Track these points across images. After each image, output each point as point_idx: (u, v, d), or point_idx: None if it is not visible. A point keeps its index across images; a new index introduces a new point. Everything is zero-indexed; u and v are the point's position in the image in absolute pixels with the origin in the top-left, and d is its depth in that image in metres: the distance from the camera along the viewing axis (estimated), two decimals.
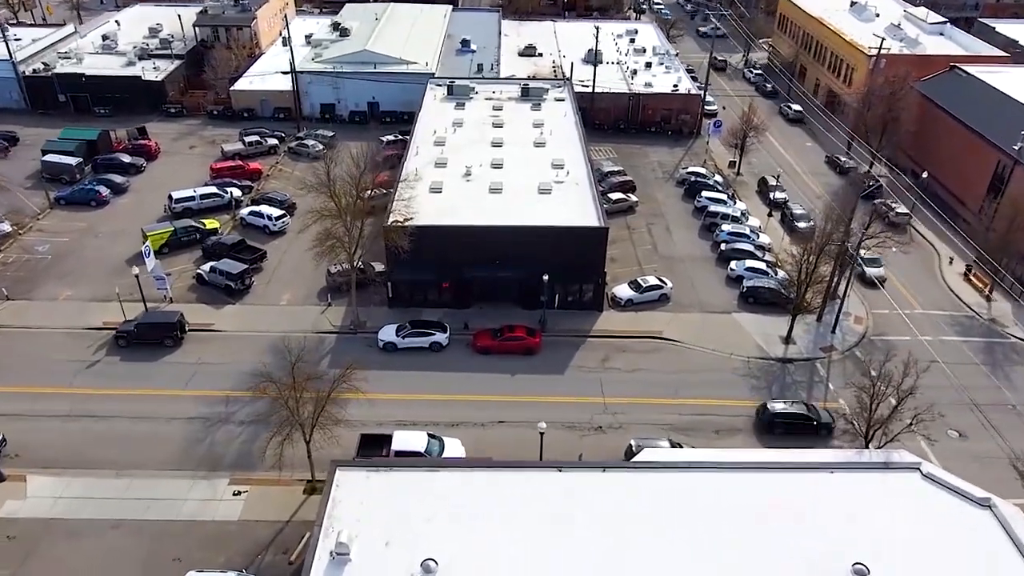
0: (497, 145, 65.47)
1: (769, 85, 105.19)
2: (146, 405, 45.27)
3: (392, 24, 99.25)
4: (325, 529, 31.46)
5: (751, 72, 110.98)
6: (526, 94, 77.05)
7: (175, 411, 44.86)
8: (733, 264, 59.77)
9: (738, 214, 67.04)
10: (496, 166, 61.52)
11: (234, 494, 39.41)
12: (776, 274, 58.44)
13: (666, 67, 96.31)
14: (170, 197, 66.00)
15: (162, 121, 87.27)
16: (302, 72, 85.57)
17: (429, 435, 41.38)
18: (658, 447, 40.77)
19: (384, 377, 47.90)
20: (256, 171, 74.34)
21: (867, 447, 39.58)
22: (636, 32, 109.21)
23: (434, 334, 50.38)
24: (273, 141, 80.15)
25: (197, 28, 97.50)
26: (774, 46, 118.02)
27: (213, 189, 67.91)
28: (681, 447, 41.73)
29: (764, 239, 64.40)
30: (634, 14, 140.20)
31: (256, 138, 79.14)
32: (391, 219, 52.07)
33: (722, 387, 48.26)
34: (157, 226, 61.22)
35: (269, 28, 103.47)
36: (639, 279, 56.94)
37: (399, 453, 39.94)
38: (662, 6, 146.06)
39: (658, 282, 56.75)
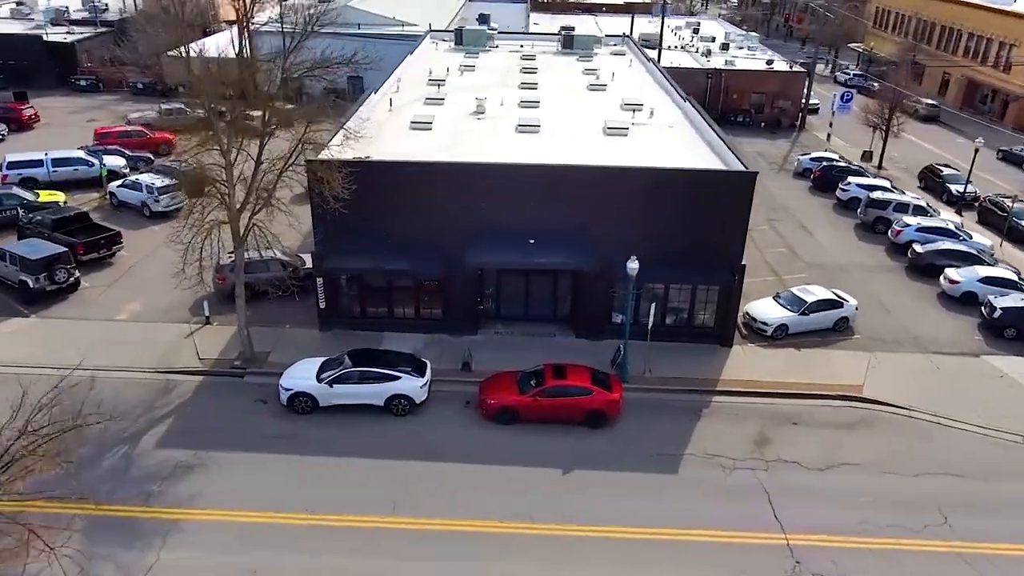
0: (529, 87, 40.53)
1: (875, 85, 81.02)
2: None
3: None
4: None
5: (845, 75, 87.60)
6: (570, 45, 52.77)
7: None
8: (953, 273, 33.34)
9: (923, 204, 41.16)
10: (528, 104, 36.39)
11: None
12: None
13: (749, 48, 72.80)
14: (5, 161, 41.38)
15: (69, 95, 63.84)
16: (258, 31, 61.91)
17: None
18: None
19: (276, 468, 21.41)
20: (164, 142, 49.66)
21: None
22: (699, 24, 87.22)
23: (398, 378, 23.90)
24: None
25: None
26: (870, 47, 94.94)
27: (79, 155, 43.35)
28: None
29: (982, 241, 38.08)
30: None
31: (179, 106, 54.78)
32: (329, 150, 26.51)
33: None
34: None
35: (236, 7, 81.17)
36: (795, 291, 30.51)
37: None
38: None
39: (832, 297, 30.32)
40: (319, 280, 27.64)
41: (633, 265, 24.74)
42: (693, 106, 35.00)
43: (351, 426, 23.43)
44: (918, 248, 36.02)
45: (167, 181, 39.07)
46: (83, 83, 65.14)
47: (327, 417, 23.65)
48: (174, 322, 28.84)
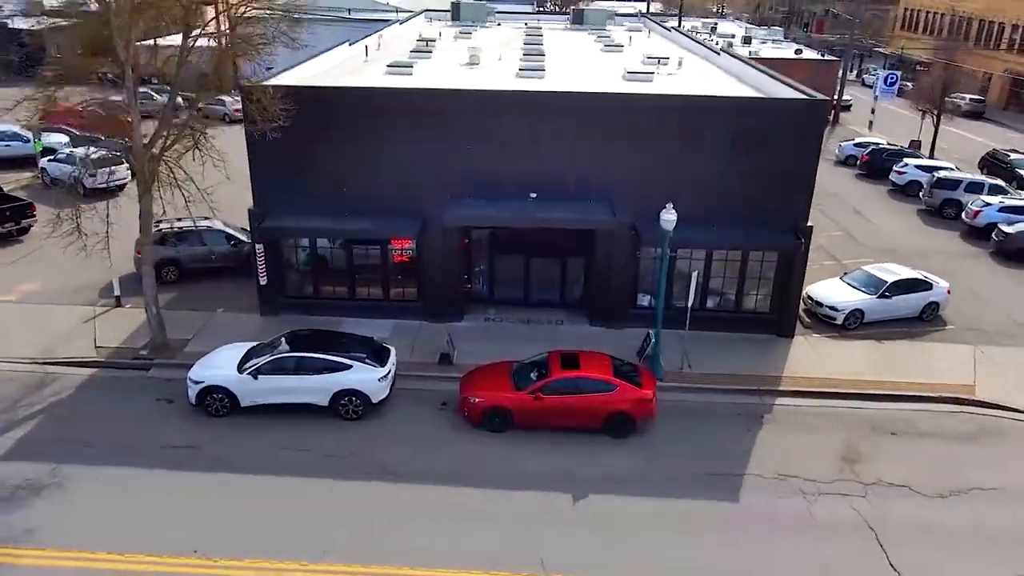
0: (534, 45, 34.63)
1: (908, 85, 75.44)
2: None
3: None
4: None
5: (873, 77, 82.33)
6: (580, 21, 47.19)
7: None
8: None
9: (1000, 183, 35.03)
10: (532, 55, 30.46)
11: None
12: None
13: (773, 40, 67.65)
14: None
15: (29, 86, 58.40)
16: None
17: None
18: None
19: (165, 492, 14.93)
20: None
21: None
22: (716, 24, 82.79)
23: (348, 367, 17.47)
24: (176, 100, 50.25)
25: None
26: (900, 48, 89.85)
27: (14, 129, 37.84)
28: None
29: None
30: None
31: (144, 91, 49.20)
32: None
33: None
34: None
35: None
36: (871, 270, 24.10)
37: None
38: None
39: (918, 277, 23.89)
40: (258, 247, 21.41)
41: (669, 216, 18.40)
42: (731, 54, 29.01)
43: (280, 432, 17.01)
44: (1006, 229, 29.58)
45: (105, 153, 33.30)
46: (48, 74, 60.06)
47: (249, 420, 17.25)
48: (78, 304, 22.65)
